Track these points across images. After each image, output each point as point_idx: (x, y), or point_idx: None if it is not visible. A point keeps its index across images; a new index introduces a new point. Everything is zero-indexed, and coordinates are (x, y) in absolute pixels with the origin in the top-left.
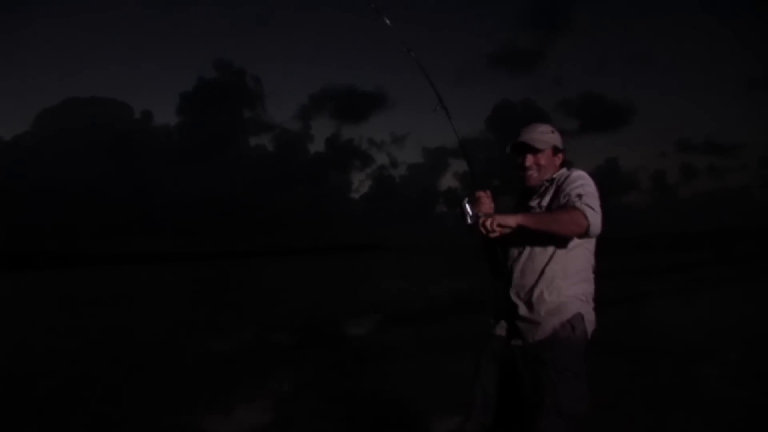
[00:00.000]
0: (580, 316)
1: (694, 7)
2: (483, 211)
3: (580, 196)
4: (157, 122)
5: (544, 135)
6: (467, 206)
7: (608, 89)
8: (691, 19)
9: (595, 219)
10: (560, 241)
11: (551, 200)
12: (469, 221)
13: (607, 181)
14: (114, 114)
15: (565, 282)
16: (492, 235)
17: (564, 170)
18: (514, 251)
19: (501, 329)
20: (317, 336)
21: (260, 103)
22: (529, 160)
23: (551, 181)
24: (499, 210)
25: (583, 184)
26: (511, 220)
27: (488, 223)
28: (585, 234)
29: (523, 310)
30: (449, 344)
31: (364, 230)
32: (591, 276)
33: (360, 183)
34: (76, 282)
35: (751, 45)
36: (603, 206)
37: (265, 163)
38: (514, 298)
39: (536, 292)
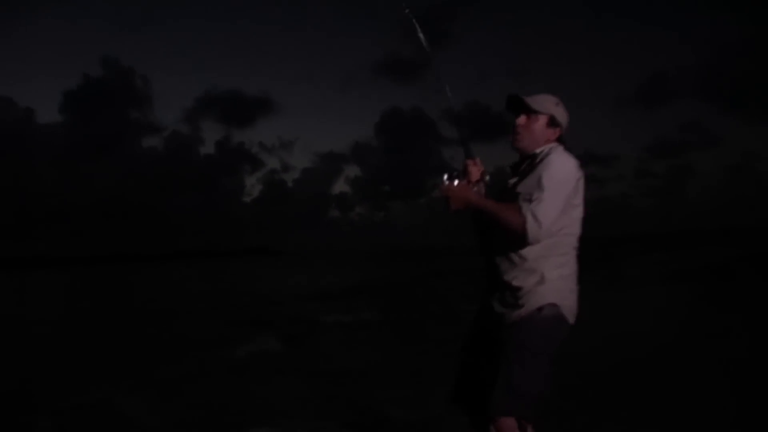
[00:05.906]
0: (552, 303)
1: (570, 26)
2: (471, 180)
3: (531, 200)
4: (41, 120)
5: (546, 102)
6: (450, 182)
7: (492, 101)
8: (568, 35)
9: (534, 231)
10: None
11: (520, 183)
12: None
13: None
14: None
15: (544, 267)
16: (451, 208)
17: (550, 146)
18: (496, 235)
19: (486, 306)
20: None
21: (148, 103)
22: (522, 119)
23: (533, 157)
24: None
25: (547, 182)
26: (466, 202)
27: (445, 194)
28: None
29: (501, 291)
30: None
31: (257, 234)
32: (571, 260)
33: (251, 187)
34: None
35: (621, 62)
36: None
37: (156, 165)
38: (494, 280)
39: (514, 277)
